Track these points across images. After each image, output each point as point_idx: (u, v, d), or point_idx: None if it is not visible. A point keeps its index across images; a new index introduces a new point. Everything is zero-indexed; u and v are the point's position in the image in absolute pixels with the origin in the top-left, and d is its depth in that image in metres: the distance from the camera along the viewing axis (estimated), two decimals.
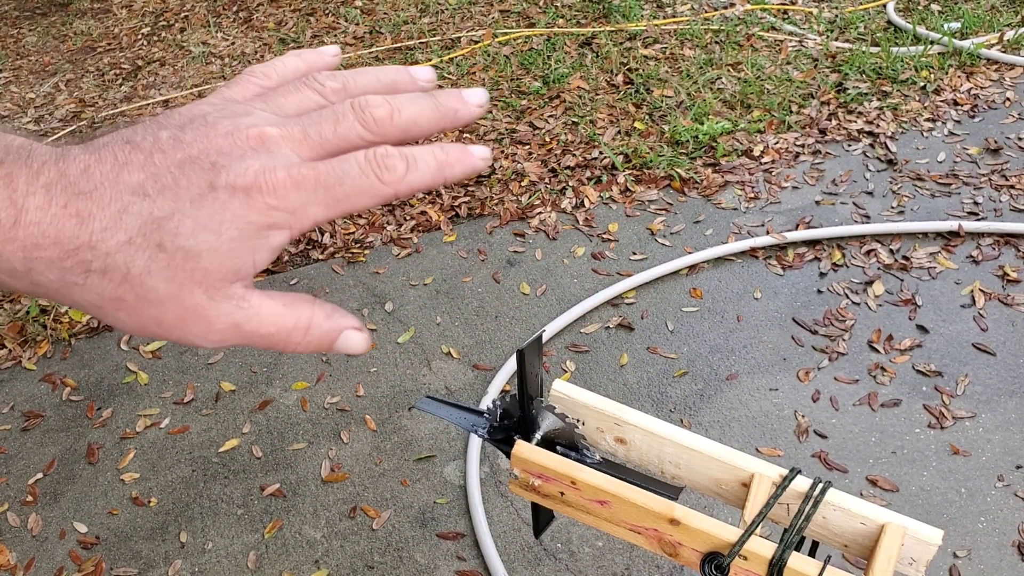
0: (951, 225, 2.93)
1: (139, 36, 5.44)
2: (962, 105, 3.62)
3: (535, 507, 0.69)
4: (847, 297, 2.76)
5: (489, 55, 4.43)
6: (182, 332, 0.39)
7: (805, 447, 2.31)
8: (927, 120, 3.55)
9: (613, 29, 4.53)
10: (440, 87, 0.44)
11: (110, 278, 0.38)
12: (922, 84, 3.76)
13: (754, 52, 4.17)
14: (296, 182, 0.38)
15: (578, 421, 0.66)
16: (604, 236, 3.14)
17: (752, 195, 3.25)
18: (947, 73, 3.82)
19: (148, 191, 0.38)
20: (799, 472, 0.57)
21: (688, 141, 3.53)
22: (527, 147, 3.65)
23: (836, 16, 4.48)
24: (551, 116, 3.83)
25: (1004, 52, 3.92)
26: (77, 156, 0.39)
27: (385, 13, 5.16)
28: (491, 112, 3.93)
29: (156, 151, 0.39)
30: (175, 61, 4.99)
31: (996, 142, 3.36)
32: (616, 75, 4.09)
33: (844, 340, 2.61)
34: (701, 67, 4.07)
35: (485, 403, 2.05)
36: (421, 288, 3.00)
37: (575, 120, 3.76)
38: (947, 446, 2.27)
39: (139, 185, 0.38)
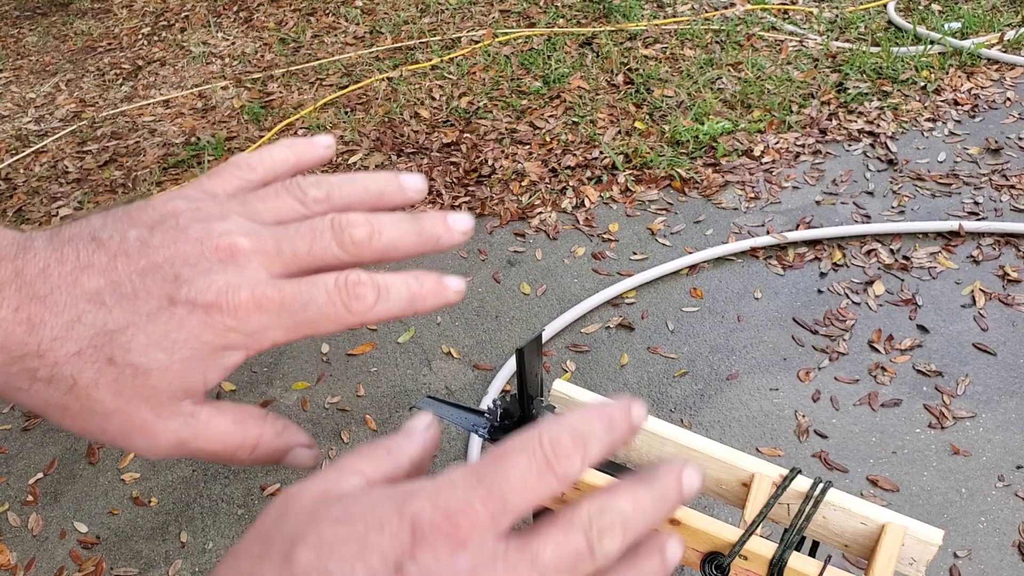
0: (951, 225, 2.93)
1: (139, 36, 5.44)
2: (962, 105, 3.62)
3: None
4: (847, 297, 2.76)
5: (489, 55, 4.43)
6: (127, 443, 0.38)
7: (805, 447, 2.31)
8: (927, 120, 3.55)
9: (613, 29, 4.53)
10: (422, 212, 0.41)
11: (56, 387, 0.36)
12: (922, 84, 3.76)
13: (754, 52, 4.17)
14: (259, 304, 0.36)
15: None
16: (604, 236, 3.14)
17: (752, 195, 3.25)
18: (947, 73, 3.82)
19: (105, 300, 0.36)
20: (799, 472, 0.57)
21: (688, 141, 3.53)
22: (527, 147, 3.65)
23: (836, 16, 4.48)
24: (551, 116, 3.83)
25: (1004, 52, 3.91)
26: (38, 252, 0.37)
27: (385, 13, 5.16)
28: (491, 112, 3.93)
29: (120, 254, 0.37)
30: (175, 61, 4.99)
31: (996, 142, 3.36)
32: (616, 75, 4.09)
33: (844, 340, 2.61)
34: (701, 67, 4.07)
35: (485, 403, 2.05)
36: None
37: (575, 120, 3.76)
38: (947, 446, 2.27)
39: (97, 292, 0.36)
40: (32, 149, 4.19)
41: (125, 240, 0.37)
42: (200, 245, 0.37)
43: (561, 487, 0.32)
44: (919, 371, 2.48)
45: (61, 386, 0.36)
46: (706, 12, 4.68)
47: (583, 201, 3.32)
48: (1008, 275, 2.74)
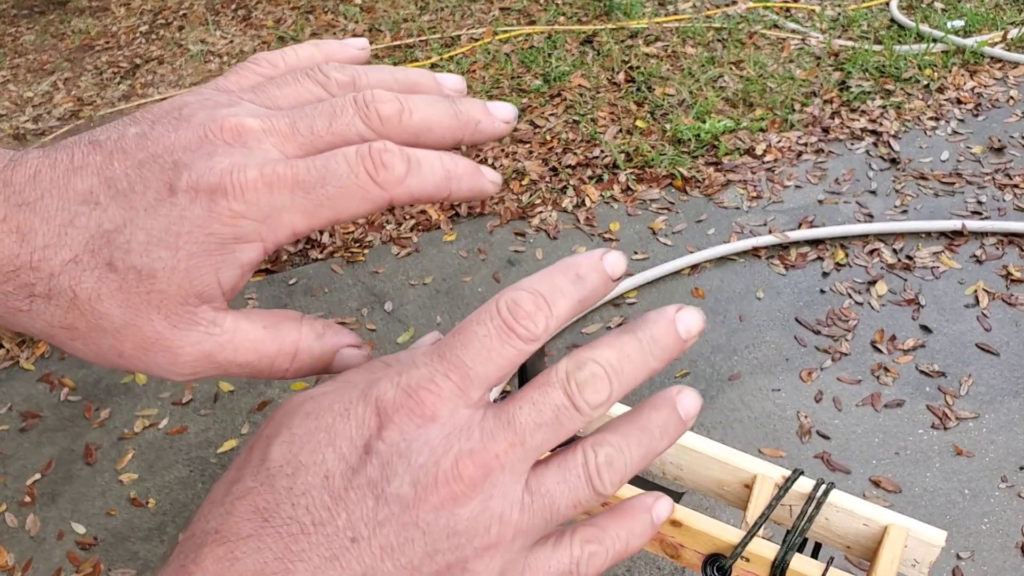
0: (955, 224, 2.92)
1: (137, 34, 5.44)
2: (966, 103, 3.61)
3: None
4: (850, 297, 2.75)
5: (489, 53, 4.43)
6: (146, 364, 0.34)
7: (808, 448, 2.30)
8: (930, 119, 3.54)
9: (614, 27, 4.52)
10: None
11: (56, 303, 0.32)
12: (925, 82, 3.75)
13: (756, 50, 4.17)
14: (269, 183, 0.32)
15: None
16: (605, 235, 3.13)
17: (754, 194, 3.24)
18: (951, 71, 3.81)
19: (99, 199, 0.32)
20: (802, 473, 0.56)
21: (690, 140, 3.52)
22: (528, 146, 3.65)
23: (839, 14, 4.47)
24: (552, 114, 3.82)
25: (1008, 50, 3.91)
26: (31, 161, 0.33)
27: (385, 11, 5.16)
28: None
29: (117, 151, 0.33)
30: (173, 59, 4.99)
31: (1000, 141, 3.35)
32: (617, 73, 4.08)
33: (847, 340, 2.59)
34: (703, 65, 4.06)
35: None
36: (421, 288, 3.00)
37: (576, 118, 3.76)
38: (950, 447, 2.26)
39: (90, 191, 0.32)
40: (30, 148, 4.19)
41: (123, 137, 0.34)
42: (203, 129, 0.33)
43: (528, 348, 0.31)
44: (922, 371, 2.47)
45: (61, 301, 0.32)
46: (708, 10, 4.67)
47: (584, 200, 3.32)
48: (1012, 275, 2.73)
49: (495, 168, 3.52)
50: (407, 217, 3.32)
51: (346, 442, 0.30)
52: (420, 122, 0.35)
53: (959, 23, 4.14)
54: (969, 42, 3.92)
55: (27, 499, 2.41)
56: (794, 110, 3.68)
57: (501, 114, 0.38)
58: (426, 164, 0.34)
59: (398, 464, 0.29)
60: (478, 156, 3.60)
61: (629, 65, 4.14)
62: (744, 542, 0.52)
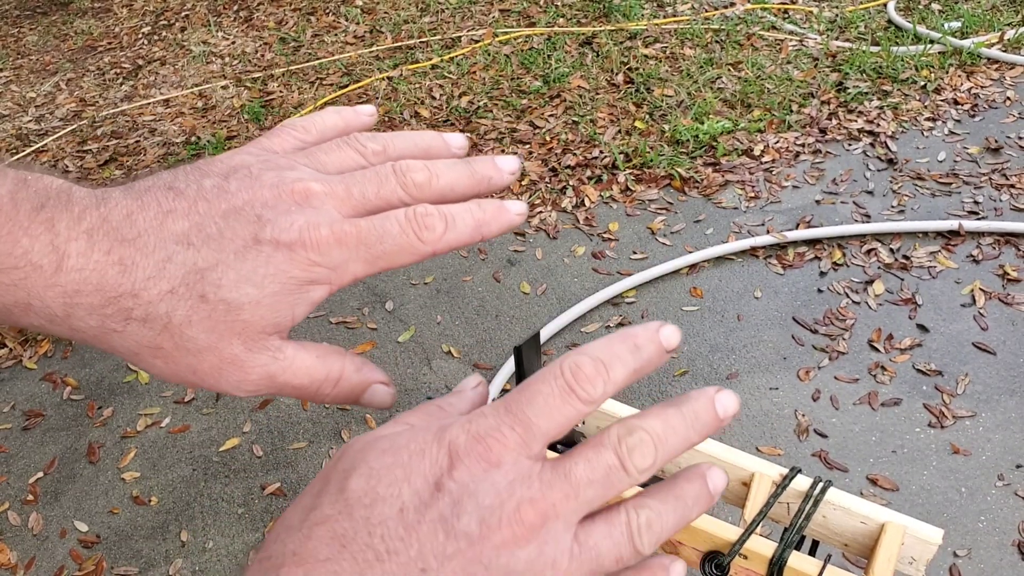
0: (951, 224, 2.93)
1: (140, 35, 5.44)
2: (962, 104, 3.62)
3: None
4: (847, 296, 2.76)
5: (489, 54, 4.43)
6: (217, 381, 0.39)
7: (805, 446, 2.31)
8: (927, 119, 3.55)
9: (613, 28, 4.53)
10: (469, 154, 0.45)
11: (150, 327, 0.37)
12: (922, 83, 3.76)
13: (754, 51, 4.17)
14: (339, 239, 0.38)
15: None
16: (604, 235, 3.14)
17: (752, 194, 3.25)
18: (947, 72, 3.82)
19: (192, 240, 0.38)
20: (799, 471, 0.57)
21: (688, 140, 3.53)
22: (527, 146, 3.65)
23: (836, 15, 4.47)
24: (551, 115, 3.83)
25: (1004, 51, 3.91)
26: (119, 201, 0.38)
27: (385, 12, 5.16)
28: (491, 111, 3.93)
29: (200, 199, 0.39)
30: (176, 60, 4.98)
31: (996, 141, 3.36)
32: (616, 74, 4.09)
33: (844, 339, 2.61)
34: (701, 66, 4.07)
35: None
36: (421, 287, 3.01)
37: (575, 119, 3.76)
38: (947, 445, 2.27)
39: (183, 234, 0.38)
40: (32, 148, 4.19)
41: (202, 188, 0.39)
42: (277, 190, 0.39)
43: (587, 409, 0.34)
44: (919, 370, 2.48)
45: (155, 325, 0.37)
46: (706, 11, 4.68)
47: (583, 200, 3.32)
48: (1008, 274, 2.74)
49: None
50: None
51: (420, 478, 0.32)
52: (445, 185, 0.43)
53: (956, 24, 4.14)
54: (966, 43, 3.93)
55: (30, 497, 2.41)
56: (792, 111, 3.69)
57: (508, 167, 0.45)
58: (459, 220, 0.41)
59: (467, 502, 0.32)
60: (478, 156, 3.60)
61: (628, 66, 4.14)
62: (742, 540, 0.52)
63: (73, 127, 4.35)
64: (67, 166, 3.99)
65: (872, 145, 3.45)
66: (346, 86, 4.33)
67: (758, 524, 0.53)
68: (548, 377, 0.34)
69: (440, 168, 0.43)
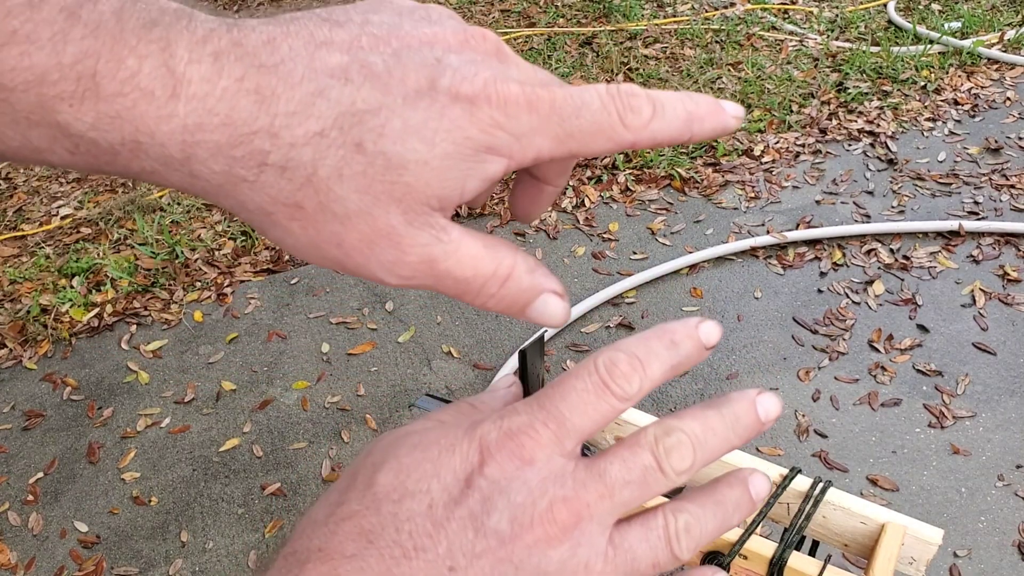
0: (951, 225, 2.93)
1: None
2: (962, 104, 3.62)
3: None
4: (847, 296, 2.76)
5: None
6: (366, 259, 0.32)
7: (805, 446, 2.31)
8: (927, 120, 3.55)
9: (613, 29, 4.53)
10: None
11: (289, 177, 0.31)
12: (922, 83, 3.76)
13: (754, 52, 4.17)
14: (529, 101, 0.32)
15: None
16: (604, 235, 3.14)
17: (752, 195, 3.25)
18: (947, 72, 3.82)
19: (351, 76, 0.31)
20: (799, 471, 0.57)
21: None
22: None
23: (836, 16, 4.48)
24: None
25: (1004, 51, 3.92)
26: (256, 27, 0.31)
27: None
28: None
29: (366, 34, 0.32)
30: None
31: (996, 141, 3.36)
32: (616, 75, 4.09)
33: (844, 339, 2.61)
34: (701, 67, 4.07)
35: None
36: None
37: None
38: (947, 445, 2.27)
39: (341, 67, 0.31)
40: None
41: (368, 22, 0.33)
42: (464, 34, 0.33)
43: (622, 406, 0.32)
44: (919, 371, 2.49)
45: (296, 175, 0.31)
46: (706, 12, 4.68)
47: (583, 201, 3.32)
48: (1008, 275, 2.74)
49: None
50: None
51: (450, 474, 0.31)
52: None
53: (956, 25, 4.15)
54: (966, 43, 3.93)
55: (30, 498, 2.41)
56: (792, 111, 3.69)
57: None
58: (669, 108, 0.34)
59: (498, 500, 0.30)
60: None
61: (628, 67, 4.15)
62: (742, 540, 0.52)
63: None
64: None
65: (872, 145, 3.45)
66: None
67: (758, 524, 0.54)
68: (583, 373, 0.32)
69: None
